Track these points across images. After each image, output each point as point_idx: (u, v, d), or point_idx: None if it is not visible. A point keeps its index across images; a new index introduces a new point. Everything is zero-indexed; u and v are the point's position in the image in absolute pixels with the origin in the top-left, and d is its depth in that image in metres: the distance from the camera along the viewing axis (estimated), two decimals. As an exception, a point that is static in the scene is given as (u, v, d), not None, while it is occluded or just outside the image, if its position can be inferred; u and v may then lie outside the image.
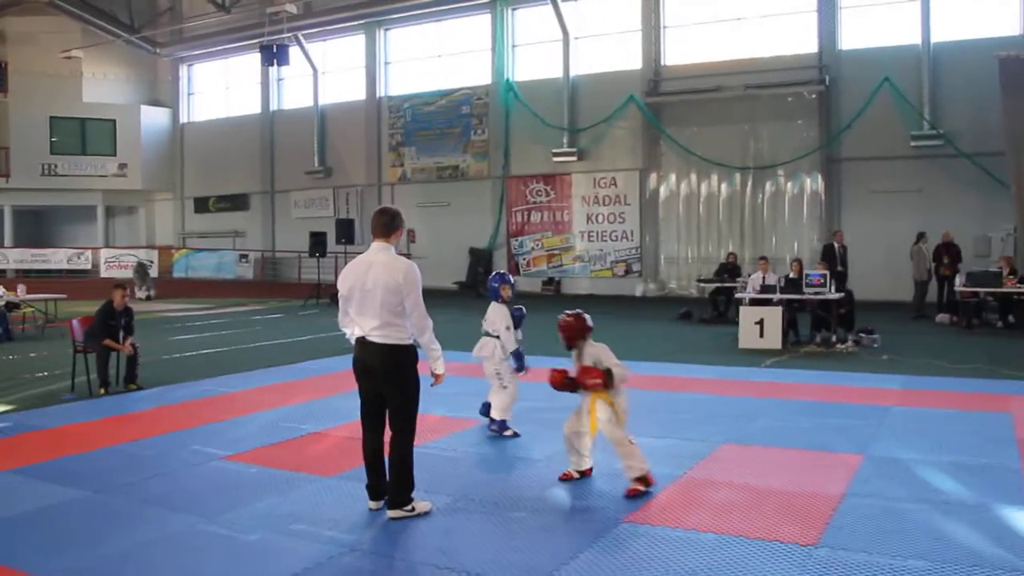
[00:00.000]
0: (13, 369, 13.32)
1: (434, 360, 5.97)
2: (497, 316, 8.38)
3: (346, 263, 6.15)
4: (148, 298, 28.45)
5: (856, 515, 5.74)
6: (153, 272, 32.01)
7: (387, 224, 5.90)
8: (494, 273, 8.93)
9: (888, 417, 8.92)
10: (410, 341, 5.78)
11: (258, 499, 6.31)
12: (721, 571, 4.82)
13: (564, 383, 6.66)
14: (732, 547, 5.18)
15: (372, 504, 5.97)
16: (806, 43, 24.49)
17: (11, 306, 17.85)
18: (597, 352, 6.60)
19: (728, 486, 6.51)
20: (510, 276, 8.79)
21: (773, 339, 14.55)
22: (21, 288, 18.82)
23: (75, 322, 11.47)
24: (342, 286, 5.88)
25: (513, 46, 29.32)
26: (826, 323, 15.27)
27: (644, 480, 6.31)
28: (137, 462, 7.48)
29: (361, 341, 5.79)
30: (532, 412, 9.08)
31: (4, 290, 17.87)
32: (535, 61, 28.89)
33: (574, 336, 6.71)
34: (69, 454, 7.74)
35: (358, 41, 32.33)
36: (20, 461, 7.49)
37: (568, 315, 6.79)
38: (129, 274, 30.35)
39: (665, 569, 4.86)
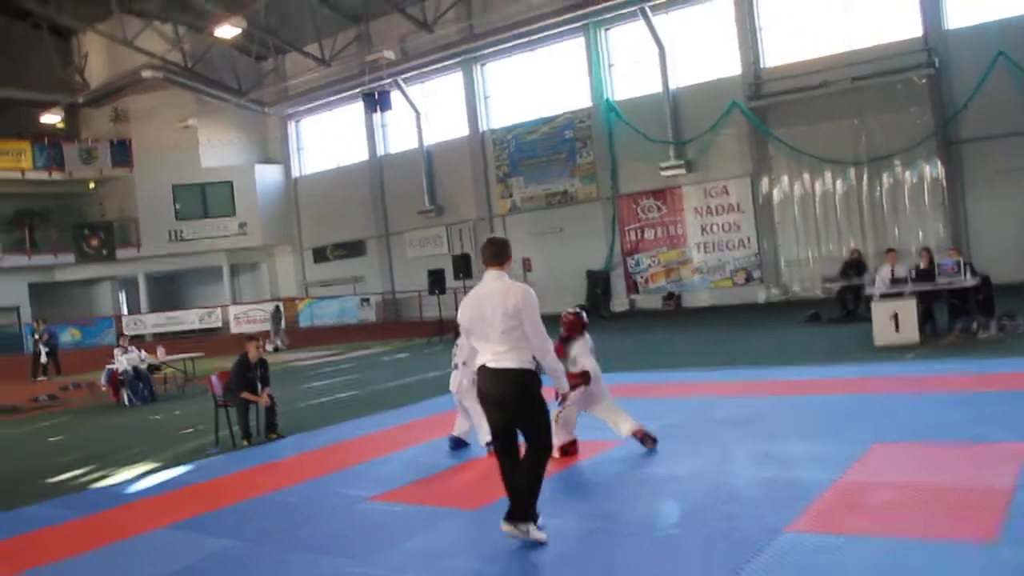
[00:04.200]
0: (159, 428, 13.82)
1: (558, 379, 6.02)
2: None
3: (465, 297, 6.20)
4: (277, 349, 29.20)
5: (1034, 508, 5.41)
6: (282, 323, 32.90)
7: (498, 253, 5.95)
8: None
9: (1050, 402, 8.46)
10: (532, 365, 5.76)
11: (408, 538, 6.33)
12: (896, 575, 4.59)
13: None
14: (904, 549, 4.94)
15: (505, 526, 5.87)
16: (910, 27, 23.68)
17: (152, 368, 18.53)
18: (579, 347, 8.19)
19: (889, 486, 6.23)
20: None
21: (910, 333, 13.96)
22: (160, 350, 19.54)
23: (214, 378, 11.81)
24: (462, 318, 5.94)
25: (610, 65, 29.28)
26: (964, 311, 14.61)
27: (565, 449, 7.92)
28: (284, 509, 7.61)
29: (483, 369, 5.81)
30: (671, 428, 8.94)
31: (146, 353, 18.57)
32: (633, 78, 28.75)
33: (575, 329, 8.27)
34: (221, 506, 7.92)
35: (456, 79, 32.78)
36: (175, 516, 7.70)
37: (570, 313, 8.41)
38: (262, 327, 31.14)
39: (836, 578, 4.66)
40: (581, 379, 7.88)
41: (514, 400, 5.72)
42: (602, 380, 8.37)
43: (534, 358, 5.79)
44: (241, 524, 7.24)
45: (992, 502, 5.58)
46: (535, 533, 5.73)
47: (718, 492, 6.57)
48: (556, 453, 7.40)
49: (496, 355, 5.72)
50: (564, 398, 5.95)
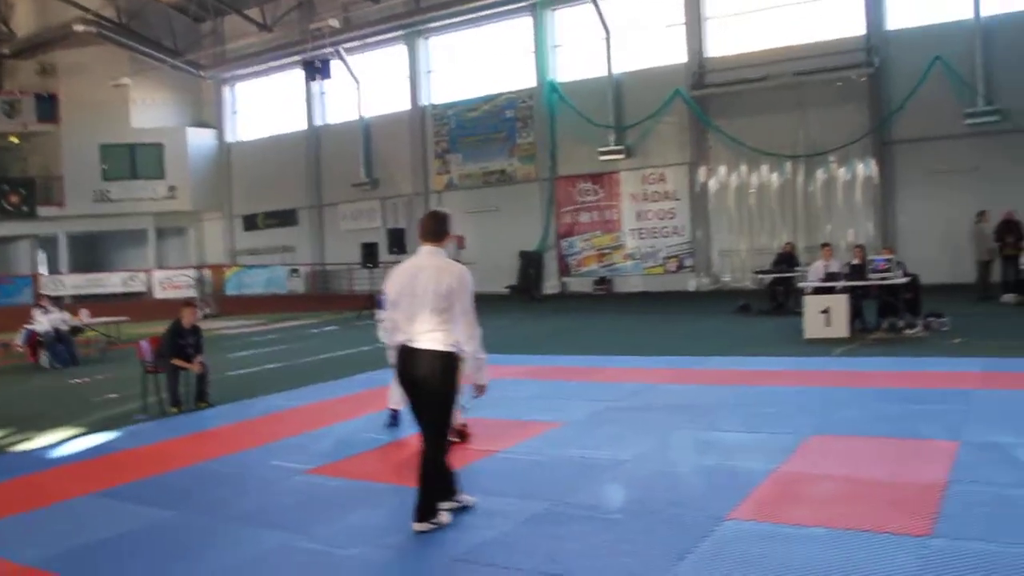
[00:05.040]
0: (83, 392, 13.45)
1: (479, 370, 5.84)
2: None
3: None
4: (206, 316, 28.65)
5: (965, 503, 5.56)
6: (207, 290, 32.33)
7: (437, 228, 5.79)
8: None
9: (974, 401, 8.71)
10: (456, 349, 5.61)
11: (349, 512, 6.25)
12: (837, 565, 4.67)
13: None
14: (844, 540, 5.02)
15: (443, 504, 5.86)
16: (853, 26, 24.04)
17: (75, 330, 18.05)
18: None
19: (826, 478, 6.34)
20: None
21: (840, 327, 14.26)
22: (84, 312, 19.04)
23: (144, 343, 11.55)
24: (391, 290, 5.73)
25: (555, 47, 29.21)
26: (893, 309, 14.96)
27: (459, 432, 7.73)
28: (220, 480, 7.46)
29: (406, 348, 5.63)
30: (616, 412, 9.02)
31: (69, 315, 18.08)
32: (578, 61, 28.73)
33: None
34: (152, 474, 7.72)
35: (400, 51, 32.42)
36: (102, 483, 7.47)
37: None
38: (187, 293, 30.51)
39: (780, 566, 4.71)
40: None
41: (432, 383, 5.57)
42: None
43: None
44: (176, 494, 7.06)
45: (926, 496, 5.72)
46: (445, 518, 5.71)
47: (661, 478, 6.63)
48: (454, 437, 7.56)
49: (421, 334, 5.56)
50: (482, 389, 5.85)
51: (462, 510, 5.85)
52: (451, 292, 5.54)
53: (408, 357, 5.62)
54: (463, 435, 8.04)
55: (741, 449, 7.32)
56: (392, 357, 5.83)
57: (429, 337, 5.55)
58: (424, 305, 5.54)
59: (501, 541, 5.45)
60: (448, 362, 5.58)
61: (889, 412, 8.41)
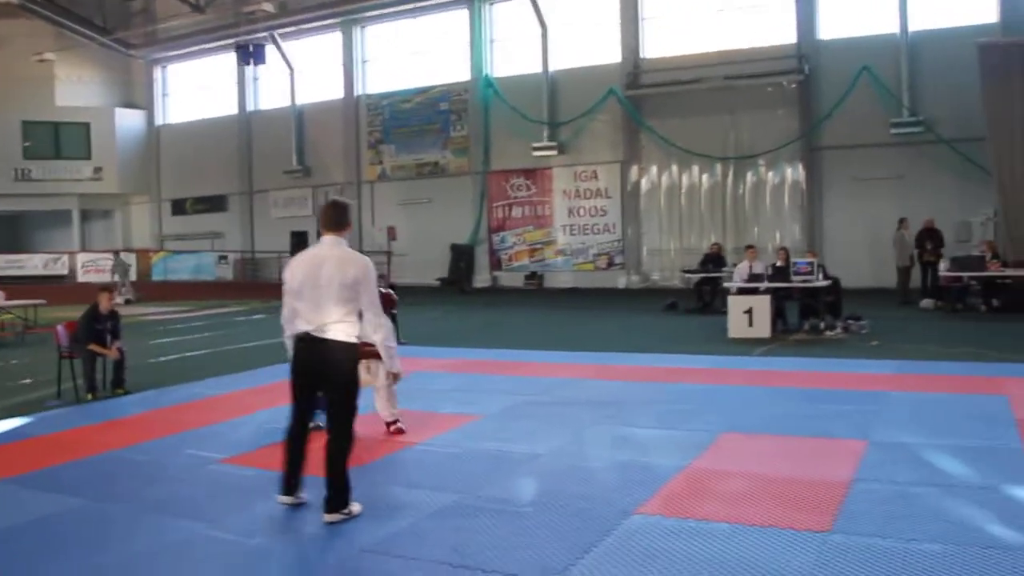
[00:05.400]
0: (-5, 377, 13.12)
1: (390, 358, 5.88)
2: None
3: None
4: (128, 302, 28.10)
5: (867, 500, 5.70)
6: (132, 275, 31.64)
7: (339, 217, 5.78)
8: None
9: (886, 402, 8.92)
10: (357, 340, 5.63)
11: (258, 501, 6.18)
12: (738, 560, 4.76)
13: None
14: (747, 536, 5.12)
15: (284, 499, 5.87)
16: (785, 33, 24.57)
17: (-10, 313, 17.59)
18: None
19: (735, 475, 6.46)
20: None
21: (762, 328, 14.53)
22: (0, 295, 18.54)
23: (60, 327, 11.28)
24: (291, 280, 5.68)
25: (491, 41, 29.28)
26: (814, 311, 15.29)
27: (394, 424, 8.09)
28: (133, 468, 7.34)
29: (307, 338, 5.59)
30: (534, 407, 9.07)
31: (-18, 297, 17.61)
32: (514, 56, 28.87)
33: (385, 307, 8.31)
34: (62, 461, 7.56)
35: (335, 39, 32.19)
36: (12, 470, 7.30)
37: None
38: (108, 278, 29.86)
39: (682, 560, 4.79)
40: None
41: (339, 374, 5.58)
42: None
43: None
44: (86, 482, 6.92)
45: (830, 494, 5.86)
46: (355, 507, 5.71)
47: (574, 472, 6.68)
48: (392, 428, 8.08)
49: (324, 325, 5.54)
50: (396, 377, 5.90)
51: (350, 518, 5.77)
52: (357, 283, 5.55)
53: (313, 347, 5.59)
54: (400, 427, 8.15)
55: (655, 445, 7.42)
56: (290, 347, 5.80)
57: (336, 328, 5.54)
58: (329, 296, 5.52)
59: (410, 532, 5.45)
60: (353, 353, 5.62)
61: (802, 411, 8.58)
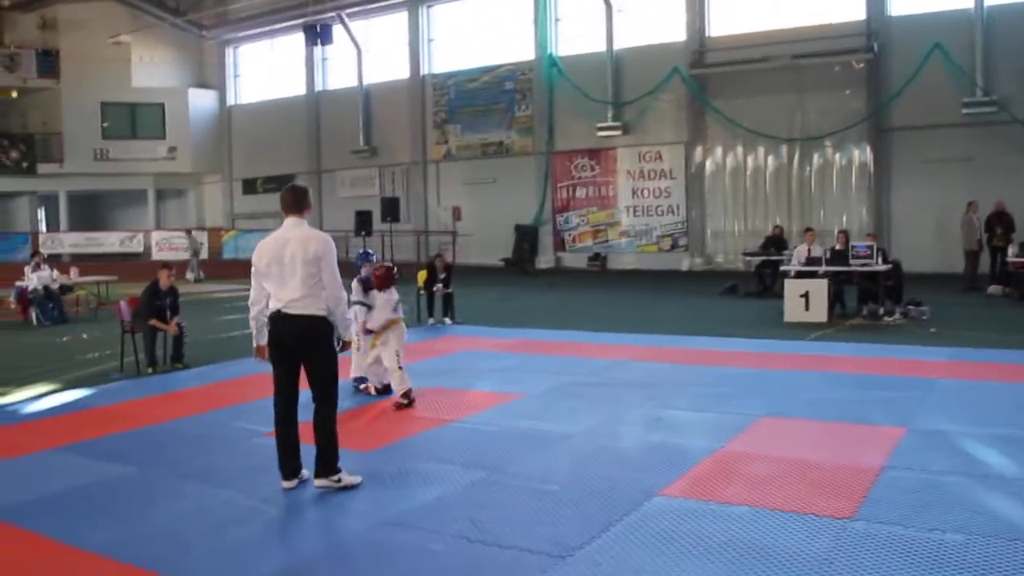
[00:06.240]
0: (66, 350, 13.63)
1: (345, 328, 6.19)
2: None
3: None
4: (198, 280, 28.79)
5: (894, 488, 5.66)
6: (203, 254, 32.33)
7: (298, 200, 6.12)
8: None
9: (932, 389, 8.80)
10: (326, 313, 5.91)
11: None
12: (752, 544, 4.78)
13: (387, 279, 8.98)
14: (766, 520, 5.14)
15: (287, 484, 6.06)
16: (854, 10, 23.96)
17: (65, 289, 18.17)
18: (381, 300, 8.91)
19: (765, 459, 6.46)
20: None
21: (819, 312, 14.35)
22: (74, 271, 19.18)
23: (123, 303, 11.69)
24: (259, 261, 6.00)
25: (556, 20, 29.14)
26: (873, 296, 15.03)
27: (407, 395, 8.46)
28: (182, 439, 7.64)
29: (279, 315, 5.88)
30: (579, 387, 9.15)
31: (58, 273, 18.20)
32: (578, 35, 28.67)
33: (384, 284, 8.92)
34: (117, 431, 7.91)
35: (401, 19, 32.34)
36: (70, 439, 7.69)
37: (382, 267, 9.19)
38: (182, 256, 30.55)
39: (695, 543, 4.84)
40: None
41: (310, 344, 5.89)
42: (404, 333, 9.03)
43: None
44: (135, 451, 7.24)
45: (858, 481, 5.83)
46: (347, 478, 5.99)
47: (604, 453, 6.76)
48: (403, 400, 8.47)
49: (293, 301, 5.83)
50: (347, 345, 6.19)
51: (343, 489, 5.97)
52: (318, 258, 5.85)
53: (285, 323, 5.88)
54: (409, 399, 8.47)
55: (691, 427, 7.45)
56: (255, 327, 6.04)
57: (301, 303, 5.84)
58: (294, 273, 5.84)
59: (435, 506, 5.62)
60: (321, 325, 5.91)
61: (846, 397, 8.51)
